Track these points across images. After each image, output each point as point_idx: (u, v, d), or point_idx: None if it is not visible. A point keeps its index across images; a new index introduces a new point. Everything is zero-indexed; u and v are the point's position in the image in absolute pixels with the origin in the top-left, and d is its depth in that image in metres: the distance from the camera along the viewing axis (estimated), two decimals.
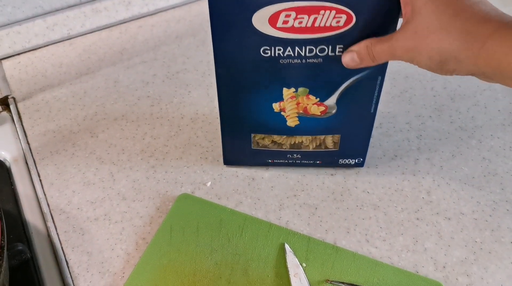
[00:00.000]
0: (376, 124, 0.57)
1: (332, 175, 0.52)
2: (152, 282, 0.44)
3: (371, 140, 0.55)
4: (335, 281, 0.43)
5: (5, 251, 0.39)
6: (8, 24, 0.65)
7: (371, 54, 0.39)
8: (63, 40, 0.68)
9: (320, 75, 0.43)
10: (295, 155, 0.51)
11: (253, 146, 0.50)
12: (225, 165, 0.53)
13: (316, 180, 0.52)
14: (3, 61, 0.65)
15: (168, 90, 0.62)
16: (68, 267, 0.46)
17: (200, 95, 0.61)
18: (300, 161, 0.52)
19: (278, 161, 0.52)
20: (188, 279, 0.44)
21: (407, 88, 0.62)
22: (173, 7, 0.74)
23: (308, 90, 0.44)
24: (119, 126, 0.58)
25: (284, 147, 0.50)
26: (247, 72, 0.43)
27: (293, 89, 0.44)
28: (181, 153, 0.55)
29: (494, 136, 0.56)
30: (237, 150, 0.51)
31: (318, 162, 0.52)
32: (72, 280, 0.45)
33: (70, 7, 0.67)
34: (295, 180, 0.52)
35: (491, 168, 0.53)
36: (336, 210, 0.49)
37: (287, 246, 0.46)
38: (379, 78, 0.44)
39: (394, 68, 0.64)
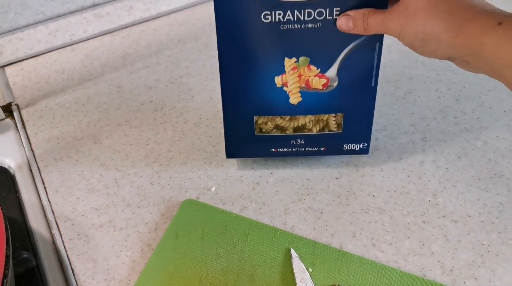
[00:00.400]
0: (380, 126, 0.57)
1: (337, 178, 0.52)
2: None
3: (376, 143, 0.55)
4: None
5: (10, 260, 0.39)
6: (10, 31, 0.65)
7: (365, 23, 0.41)
8: (65, 46, 0.68)
9: (320, 42, 0.44)
10: (299, 140, 0.51)
11: (256, 132, 0.50)
12: (229, 170, 0.53)
13: (321, 184, 0.52)
14: (6, 68, 0.66)
15: (171, 95, 0.62)
16: (73, 275, 0.45)
17: (204, 99, 0.61)
18: (305, 149, 0.51)
19: (282, 150, 0.51)
20: None
21: (411, 89, 0.61)
22: (175, 11, 0.74)
23: (308, 59, 0.45)
24: (123, 132, 0.58)
25: (287, 131, 0.50)
26: (248, 41, 0.44)
27: (294, 59, 0.45)
28: (185, 158, 0.55)
29: (500, 137, 0.55)
30: (240, 139, 0.51)
31: (322, 148, 0.51)
32: None
33: (72, 12, 0.67)
34: (300, 184, 0.52)
35: (497, 169, 0.52)
36: (342, 214, 0.49)
37: (293, 251, 0.45)
38: (377, 45, 0.45)
39: (397, 69, 0.64)
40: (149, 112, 0.60)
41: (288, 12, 0.42)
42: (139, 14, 0.71)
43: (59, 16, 0.67)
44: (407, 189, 0.51)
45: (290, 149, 0.52)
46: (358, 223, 0.48)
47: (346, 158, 0.54)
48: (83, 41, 0.69)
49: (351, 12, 0.42)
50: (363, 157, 0.54)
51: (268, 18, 0.43)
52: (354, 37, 0.44)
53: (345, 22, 0.42)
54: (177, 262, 0.45)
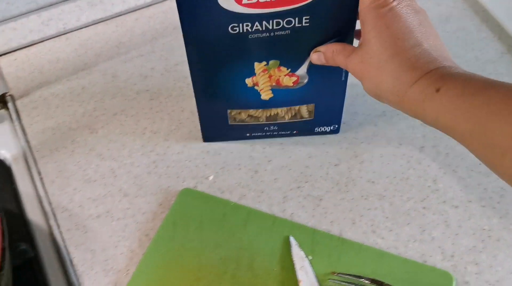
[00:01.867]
0: (379, 112, 0.56)
1: (336, 165, 0.52)
2: (156, 278, 0.43)
3: (375, 128, 0.55)
4: (342, 273, 0.42)
5: (6, 252, 0.39)
6: (3, 21, 0.64)
7: (334, 60, 0.42)
8: (58, 35, 0.67)
9: (290, 47, 0.44)
10: (272, 127, 0.52)
11: (230, 122, 0.51)
12: (227, 158, 0.53)
13: (320, 171, 0.51)
14: None
15: (167, 83, 0.61)
16: (72, 265, 0.45)
17: None
18: (278, 133, 0.52)
19: (256, 134, 0.53)
20: (193, 275, 0.43)
21: None
22: None
23: (279, 62, 0.45)
24: (119, 122, 0.57)
25: (260, 120, 0.51)
26: (217, 49, 0.44)
27: (264, 63, 0.45)
28: (182, 147, 0.54)
29: None
30: (215, 127, 0.52)
31: (294, 132, 0.53)
32: (77, 278, 0.44)
33: (64, 1, 0.66)
34: (298, 171, 0.51)
35: None
36: (341, 201, 0.49)
37: (292, 239, 0.45)
38: (348, 43, 0.44)
39: None
40: (145, 101, 0.59)
41: (256, 23, 0.41)
42: (133, 1, 0.69)
43: (51, 4, 0.66)
44: (407, 175, 0.50)
45: (264, 134, 0.53)
46: (357, 210, 0.48)
47: (345, 144, 0.53)
48: (77, 29, 0.68)
49: (321, 48, 0.43)
50: (362, 143, 0.53)
51: (236, 30, 0.42)
52: (324, 40, 0.43)
53: (317, 58, 0.43)
54: (176, 251, 0.45)
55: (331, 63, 0.43)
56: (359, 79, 0.40)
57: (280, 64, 0.45)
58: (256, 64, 0.45)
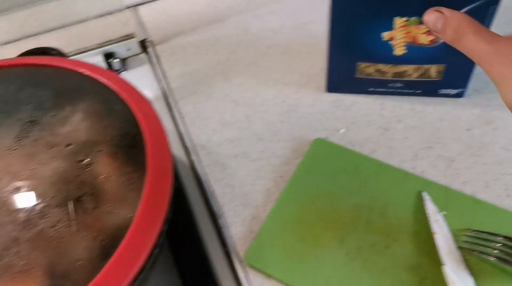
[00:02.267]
0: None
1: (468, 130, 0.52)
2: (293, 215, 0.46)
3: None
4: (478, 230, 0.43)
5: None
6: None
7: (457, 36, 0.34)
8: None
9: (434, 4, 0.44)
10: (397, 84, 0.53)
11: (357, 75, 0.53)
12: (357, 114, 0.54)
13: (451, 134, 0.52)
14: (139, 7, 0.69)
15: (297, 40, 0.63)
16: (214, 197, 0.49)
17: None
18: (401, 90, 0.54)
19: (379, 89, 0.55)
20: (328, 217, 0.46)
21: None
22: None
23: (420, 19, 0.46)
24: (251, 72, 0.60)
25: (387, 75, 0.52)
26: (363, 0, 0.46)
27: (405, 18, 0.46)
28: (313, 101, 0.56)
29: None
30: (341, 78, 0.55)
31: (418, 91, 0.54)
32: (219, 208, 0.48)
33: None
34: (429, 133, 0.52)
35: None
36: (474, 164, 0.49)
37: (425, 194, 0.46)
38: (491, 7, 0.44)
39: None
40: (276, 55, 0.62)
41: None
42: None
43: None
44: None
45: (387, 90, 0.54)
46: (491, 174, 0.48)
47: (477, 111, 0.53)
48: None
49: (446, 12, 0.34)
50: (495, 111, 0.53)
51: None
52: (471, 1, 0.43)
53: (433, 21, 0.35)
54: (311, 194, 0.48)
55: (450, 34, 0.34)
56: (492, 79, 0.32)
57: (421, 22, 0.46)
58: (397, 18, 0.47)
